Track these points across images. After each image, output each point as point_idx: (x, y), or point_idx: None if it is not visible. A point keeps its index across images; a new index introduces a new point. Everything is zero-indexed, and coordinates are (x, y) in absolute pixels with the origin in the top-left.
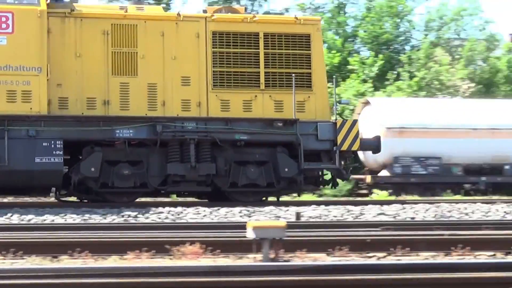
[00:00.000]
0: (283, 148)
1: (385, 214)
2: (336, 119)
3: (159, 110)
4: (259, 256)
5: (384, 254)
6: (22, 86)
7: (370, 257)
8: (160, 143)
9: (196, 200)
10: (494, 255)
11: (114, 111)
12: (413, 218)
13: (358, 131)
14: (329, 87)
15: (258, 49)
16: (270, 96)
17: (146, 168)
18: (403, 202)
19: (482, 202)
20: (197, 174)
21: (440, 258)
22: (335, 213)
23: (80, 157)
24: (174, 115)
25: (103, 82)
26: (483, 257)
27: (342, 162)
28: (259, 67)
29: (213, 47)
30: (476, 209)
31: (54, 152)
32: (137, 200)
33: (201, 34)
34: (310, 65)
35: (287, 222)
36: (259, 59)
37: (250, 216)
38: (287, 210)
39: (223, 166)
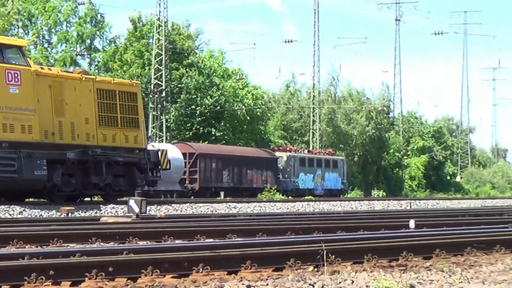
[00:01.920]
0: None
1: None
2: (158, 149)
3: (76, 140)
4: None
5: None
6: (28, 122)
7: None
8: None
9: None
10: None
11: (57, 140)
12: None
13: (168, 157)
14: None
15: (116, 101)
16: (123, 132)
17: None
18: None
19: None
20: (103, 183)
21: None
22: None
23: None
24: (82, 143)
25: (51, 120)
26: None
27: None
28: (117, 113)
29: (98, 99)
30: None
31: (43, 168)
32: None
33: (92, 90)
34: (137, 112)
35: None
36: (117, 108)
37: None
38: None
39: (110, 177)
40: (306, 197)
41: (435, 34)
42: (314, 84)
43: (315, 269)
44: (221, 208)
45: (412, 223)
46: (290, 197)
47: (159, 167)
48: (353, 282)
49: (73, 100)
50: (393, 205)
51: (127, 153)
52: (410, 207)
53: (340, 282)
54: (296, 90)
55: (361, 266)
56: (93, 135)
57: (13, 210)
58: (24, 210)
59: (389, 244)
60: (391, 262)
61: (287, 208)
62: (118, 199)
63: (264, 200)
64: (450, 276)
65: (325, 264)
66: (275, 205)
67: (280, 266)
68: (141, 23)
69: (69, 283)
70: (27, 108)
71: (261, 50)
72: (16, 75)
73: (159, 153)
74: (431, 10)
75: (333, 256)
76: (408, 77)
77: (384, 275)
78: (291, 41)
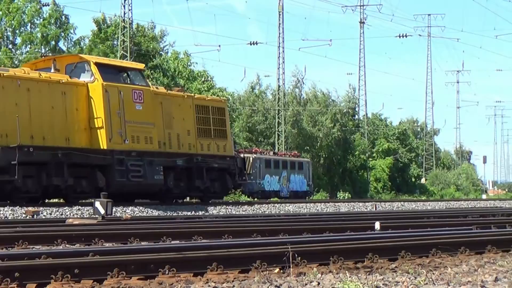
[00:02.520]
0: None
1: None
2: (244, 156)
3: (181, 149)
4: None
5: None
6: (149, 134)
7: None
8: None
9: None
10: None
11: (168, 149)
12: None
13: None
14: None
15: (209, 115)
16: (215, 142)
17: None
18: None
19: None
20: (204, 186)
21: None
22: None
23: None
24: (186, 152)
25: (162, 132)
26: None
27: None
28: (210, 125)
29: (196, 114)
30: None
31: (160, 173)
32: None
33: (191, 106)
34: (225, 125)
35: None
36: (210, 121)
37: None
38: None
39: (208, 181)
40: (271, 199)
41: (400, 36)
42: (279, 86)
43: (281, 271)
44: (187, 210)
45: (377, 225)
46: (255, 199)
47: (244, 171)
48: (319, 283)
49: (178, 114)
50: (359, 207)
51: (220, 160)
52: (376, 209)
53: (306, 284)
54: (261, 92)
55: (327, 267)
56: (193, 144)
57: None
58: None
59: (355, 246)
60: (357, 264)
61: (253, 210)
62: (214, 200)
63: (229, 202)
64: (416, 277)
65: (291, 266)
66: (241, 207)
67: (246, 268)
68: (105, 25)
69: (35, 285)
70: (148, 122)
71: (226, 52)
72: (140, 94)
73: (244, 159)
74: (395, 13)
75: (299, 258)
76: (373, 79)
77: (350, 276)
78: (256, 43)
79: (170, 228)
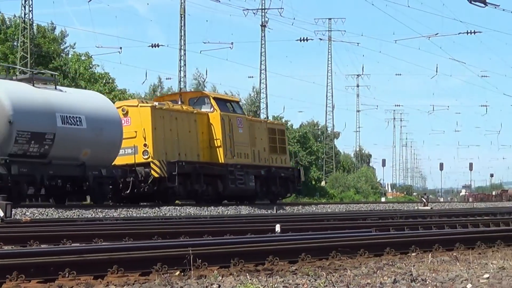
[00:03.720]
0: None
1: None
2: (299, 167)
3: (261, 162)
4: None
5: None
6: (246, 151)
7: None
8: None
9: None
10: None
11: (253, 162)
12: None
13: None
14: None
15: (275, 135)
16: (280, 156)
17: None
18: None
19: None
20: (277, 190)
21: None
22: None
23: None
24: (263, 164)
25: (249, 149)
26: None
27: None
28: (276, 144)
29: (268, 135)
30: None
31: (252, 180)
32: None
33: (265, 129)
34: (285, 143)
35: None
36: (276, 140)
37: None
38: None
39: (278, 187)
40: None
41: (301, 40)
42: (180, 89)
43: (182, 274)
44: (88, 212)
45: (278, 228)
46: (156, 201)
47: (300, 180)
48: (220, 286)
49: (258, 135)
50: (259, 209)
51: (285, 170)
52: (276, 211)
53: (207, 287)
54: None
55: (228, 270)
56: (267, 159)
57: None
58: None
59: (256, 249)
60: (257, 266)
61: (154, 213)
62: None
63: (130, 204)
64: (316, 280)
65: (192, 269)
66: (141, 209)
67: (147, 270)
68: (5, 26)
69: None
70: (245, 142)
71: (128, 54)
72: (240, 120)
73: (299, 170)
74: (297, 17)
75: (200, 261)
76: (274, 82)
77: (250, 279)
78: (158, 46)
79: (70, 231)
